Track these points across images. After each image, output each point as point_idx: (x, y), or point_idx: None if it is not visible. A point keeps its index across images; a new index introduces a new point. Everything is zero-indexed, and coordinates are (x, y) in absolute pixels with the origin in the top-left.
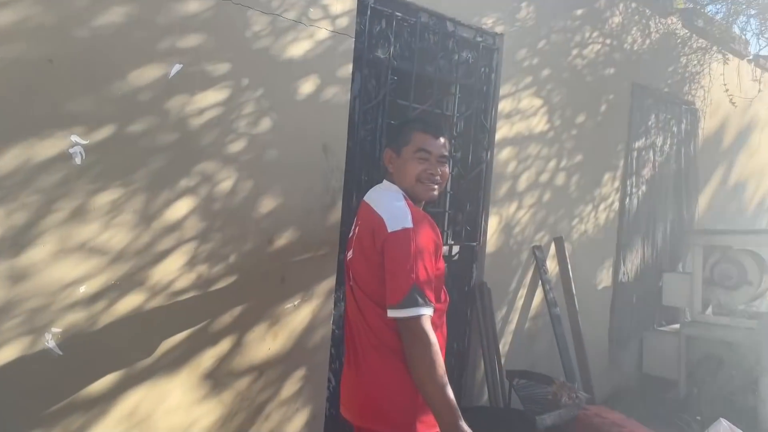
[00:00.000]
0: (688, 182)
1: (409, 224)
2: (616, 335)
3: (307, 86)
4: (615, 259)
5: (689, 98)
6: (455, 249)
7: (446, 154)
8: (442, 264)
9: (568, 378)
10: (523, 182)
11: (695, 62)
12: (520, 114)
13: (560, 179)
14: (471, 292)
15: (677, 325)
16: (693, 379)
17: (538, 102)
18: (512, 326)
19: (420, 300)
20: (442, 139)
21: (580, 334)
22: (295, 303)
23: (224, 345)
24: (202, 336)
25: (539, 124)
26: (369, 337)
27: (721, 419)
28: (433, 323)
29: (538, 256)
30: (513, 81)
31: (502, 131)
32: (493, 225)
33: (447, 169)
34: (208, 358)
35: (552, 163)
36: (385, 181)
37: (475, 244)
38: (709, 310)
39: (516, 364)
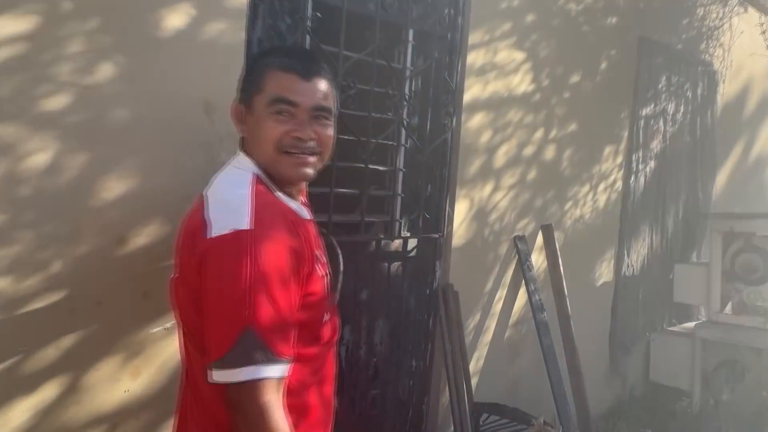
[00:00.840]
0: (705, 157)
1: (245, 225)
2: (619, 339)
3: (176, 18)
4: (617, 250)
5: (706, 58)
6: (411, 243)
7: (326, 105)
8: (317, 286)
9: (557, 402)
10: (500, 157)
11: (714, 15)
12: (496, 70)
13: (549, 153)
14: (433, 297)
15: (691, 326)
16: (709, 391)
17: (519, 56)
18: (487, 337)
19: (258, 355)
20: (317, 82)
21: (573, 345)
22: (167, 326)
23: (49, 391)
24: (9, 382)
25: (521, 83)
26: (196, 410)
27: None
28: (297, 386)
29: (520, 248)
30: (487, 27)
31: (473, 91)
32: (461, 211)
33: (329, 131)
34: (21, 412)
35: (539, 134)
36: (239, 154)
37: (437, 236)
38: (729, 308)
39: (493, 385)
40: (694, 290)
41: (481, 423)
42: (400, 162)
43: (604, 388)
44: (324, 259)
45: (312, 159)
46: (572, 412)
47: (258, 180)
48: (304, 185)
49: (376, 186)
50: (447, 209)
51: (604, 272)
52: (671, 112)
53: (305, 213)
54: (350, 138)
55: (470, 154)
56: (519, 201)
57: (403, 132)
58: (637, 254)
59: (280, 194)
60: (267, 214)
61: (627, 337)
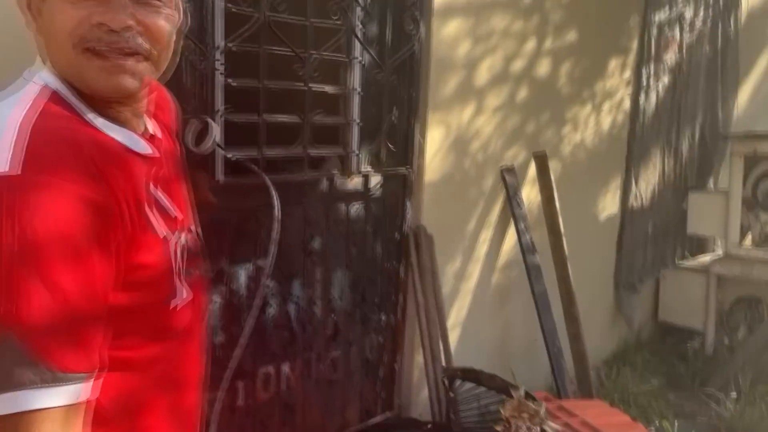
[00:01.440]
0: (726, 70)
1: (3, 166)
2: (625, 278)
3: None
4: (624, 178)
5: None
6: (374, 180)
7: None
8: (151, 256)
9: (551, 355)
10: (483, 73)
11: None
12: None
13: (543, 68)
14: (403, 242)
15: (706, 260)
16: (724, 330)
17: None
18: (469, 285)
19: (27, 374)
20: None
21: (570, 289)
22: None
23: None
24: None
25: None
26: None
27: None
28: (127, 405)
29: (508, 182)
30: None
31: None
32: (435, 140)
33: (162, 20)
34: None
35: (530, 44)
36: (37, 60)
37: (405, 170)
38: (749, 240)
39: (476, 340)
40: (710, 221)
41: (454, 389)
42: (355, 81)
43: (608, 332)
44: (176, 214)
45: (131, 62)
46: (568, 365)
47: (55, 98)
48: (165, 101)
49: (323, 111)
50: (417, 138)
51: (609, 205)
52: (689, 18)
53: (144, 146)
54: (285, 52)
55: (445, 71)
56: (506, 126)
57: (357, 44)
58: (647, 183)
59: (95, 119)
60: (47, 149)
61: (634, 275)
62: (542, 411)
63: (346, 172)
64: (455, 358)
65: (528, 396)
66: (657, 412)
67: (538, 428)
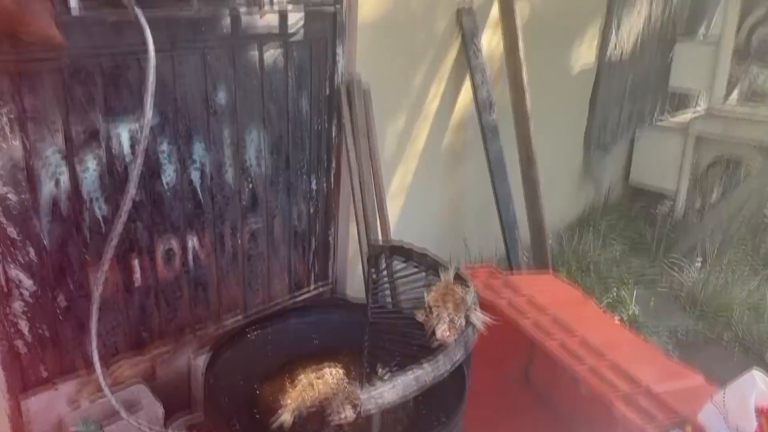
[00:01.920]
0: None
1: None
2: (597, 137)
3: None
4: (603, 26)
5: None
6: (293, 18)
7: None
8: None
9: (503, 223)
10: None
11: None
12: None
13: None
14: (334, 97)
15: (685, 119)
16: (697, 193)
17: None
18: (416, 147)
19: None
20: None
21: (530, 150)
22: None
23: None
24: None
25: None
26: None
27: (754, 371)
28: None
29: (465, 25)
30: None
31: None
32: None
33: None
34: None
35: None
36: None
37: (333, 7)
38: (735, 95)
39: (424, 208)
40: (696, 73)
41: (379, 269)
42: None
43: (573, 197)
44: None
45: None
46: (524, 235)
47: None
48: None
49: None
50: None
51: (583, 55)
52: None
53: None
54: None
55: None
56: None
57: None
58: (629, 31)
59: None
60: None
61: (607, 134)
62: (470, 298)
63: (256, 3)
64: (399, 229)
65: (459, 278)
66: (617, 280)
67: (463, 318)
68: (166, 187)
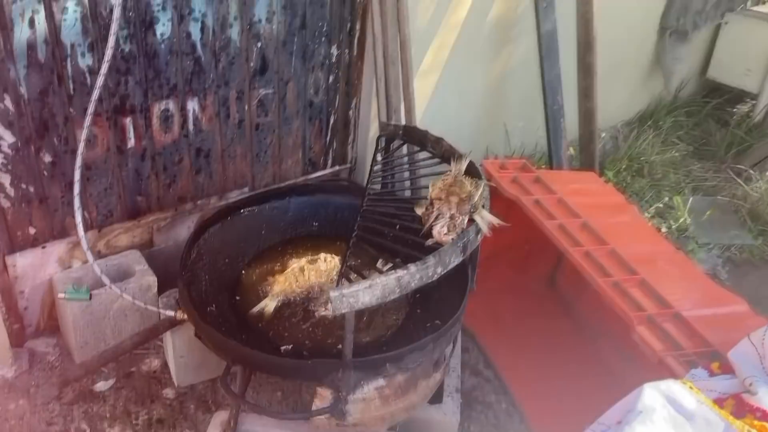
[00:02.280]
0: None
1: None
2: (676, 21)
3: None
4: None
5: None
6: None
7: None
8: None
9: (548, 115)
10: None
11: None
12: None
13: None
14: None
15: None
16: None
17: None
18: (457, 17)
19: None
20: None
21: (590, 31)
22: None
23: None
24: None
25: None
26: None
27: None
28: None
29: None
30: None
31: None
32: None
33: None
34: None
35: None
36: None
37: None
38: None
39: (460, 88)
40: None
41: (390, 153)
42: None
43: (639, 88)
44: None
45: None
46: (572, 128)
47: None
48: None
49: None
50: None
51: None
52: None
53: None
54: None
55: None
56: None
57: None
58: None
59: None
60: None
61: (688, 19)
62: (478, 195)
63: None
64: (430, 112)
65: (472, 171)
66: (673, 186)
67: (465, 218)
68: (159, 38)
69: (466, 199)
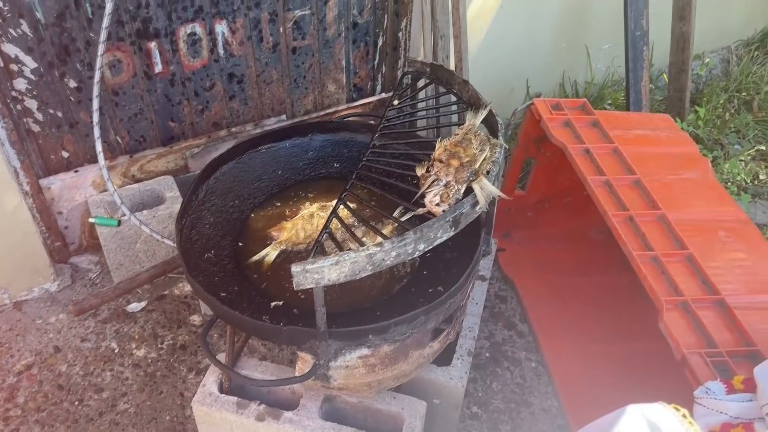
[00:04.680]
0: None
1: None
2: None
3: None
4: None
5: None
6: None
7: None
8: None
9: (629, 41)
10: None
11: None
12: None
13: None
14: None
15: None
16: None
17: None
18: None
19: None
20: None
21: None
22: None
23: None
24: None
25: None
26: None
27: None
28: None
29: None
30: None
31: None
32: None
33: None
34: None
35: None
36: None
37: None
38: None
39: (528, 8)
40: None
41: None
42: None
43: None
44: None
45: None
46: (646, 54)
47: None
48: None
49: None
50: None
51: None
52: None
53: None
54: None
55: None
56: None
57: None
58: None
59: None
60: None
61: None
62: (482, 159)
63: None
64: (492, 36)
65: (492, 126)
66: None
67: (462, 186)
68: None
69: (467, 164)
